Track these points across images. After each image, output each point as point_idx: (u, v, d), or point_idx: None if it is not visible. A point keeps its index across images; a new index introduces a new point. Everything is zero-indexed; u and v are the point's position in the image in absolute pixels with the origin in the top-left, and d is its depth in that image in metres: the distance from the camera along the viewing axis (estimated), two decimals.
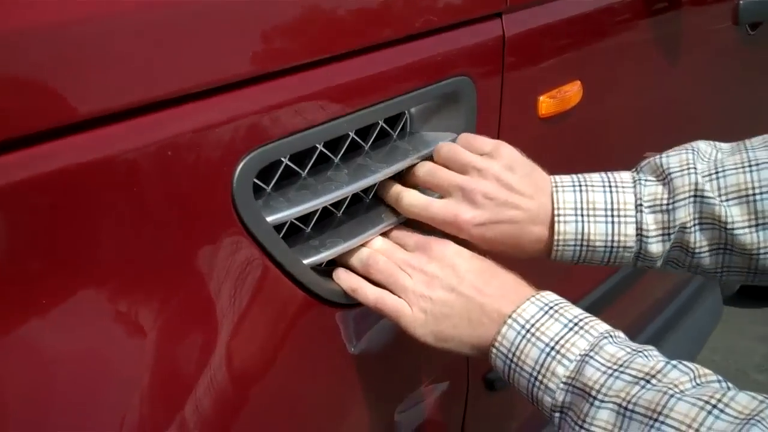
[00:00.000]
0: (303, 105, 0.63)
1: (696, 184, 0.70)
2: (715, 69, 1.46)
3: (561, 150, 0.99)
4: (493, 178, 0.73)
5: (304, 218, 0.71)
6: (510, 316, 0.65)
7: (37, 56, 0.47)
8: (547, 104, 0.91)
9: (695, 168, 0.70)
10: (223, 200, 0.60)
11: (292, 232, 0.71)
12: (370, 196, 0.78)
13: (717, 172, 0.70)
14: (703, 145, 0.74)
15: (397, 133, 0.79)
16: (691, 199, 0.70)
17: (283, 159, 0.66)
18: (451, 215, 0.72)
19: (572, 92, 0.95)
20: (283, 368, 0.69)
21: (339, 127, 0.67)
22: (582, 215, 0.72)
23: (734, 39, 1.46)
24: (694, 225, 0.70)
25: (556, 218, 0.72)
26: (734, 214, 0.68)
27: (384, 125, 0.76)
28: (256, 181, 0.63)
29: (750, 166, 0.69)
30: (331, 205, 0.72)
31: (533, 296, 0.66)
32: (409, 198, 0.75)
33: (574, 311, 0.65)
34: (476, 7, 0.79)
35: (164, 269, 0.57)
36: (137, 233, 0.54)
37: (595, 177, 0.74)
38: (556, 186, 0.73)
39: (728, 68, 1.51)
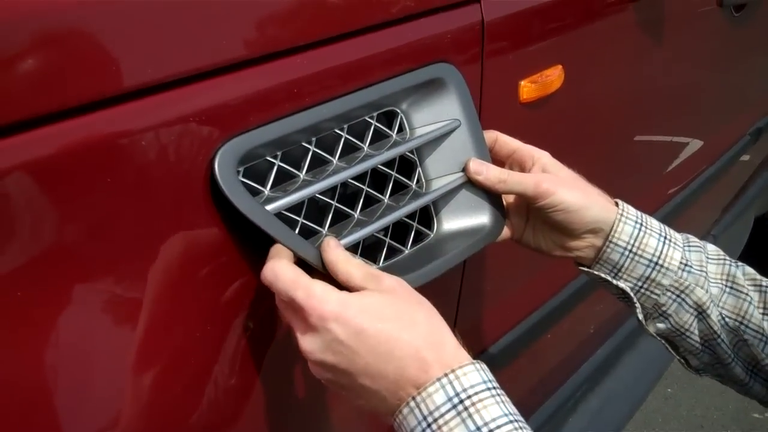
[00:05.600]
0: (279, 92, 0.63)
1: None
2: (700, 51, 1.46)
3: (543, 135, 0.99)
4: None
5: (321, 221, 0.70)
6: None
7: (11, 43, 0.47)
8: (528, 89, 0.91)
9: None
10: (203, 191, 0.59)
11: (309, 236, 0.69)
12: (387, 194, 0.77)
13: None
14: None
15: (395, 133, 0.77)
16: None
17: (273, 160, 0.66)
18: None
19: (554, 77, 0.94)
20: (273, 358, 0.70)
21: (319, 114, 0.67)
22: None
23: (719, 21, 1.46)
24: None
25: None
26: None
27: (379, 126, 0.75)
28: (255, 185, 0.63)
29: None
30: (347, 206, 0.72)
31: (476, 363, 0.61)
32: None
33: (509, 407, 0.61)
34: None
35: (148, 263, 0.57)
36: (109, 225, 0.54)
37: None
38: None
39: (713, 50, 1.51)
